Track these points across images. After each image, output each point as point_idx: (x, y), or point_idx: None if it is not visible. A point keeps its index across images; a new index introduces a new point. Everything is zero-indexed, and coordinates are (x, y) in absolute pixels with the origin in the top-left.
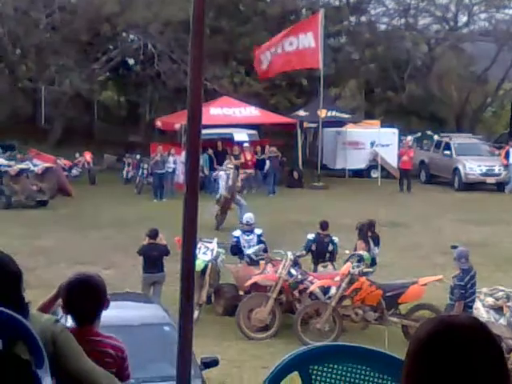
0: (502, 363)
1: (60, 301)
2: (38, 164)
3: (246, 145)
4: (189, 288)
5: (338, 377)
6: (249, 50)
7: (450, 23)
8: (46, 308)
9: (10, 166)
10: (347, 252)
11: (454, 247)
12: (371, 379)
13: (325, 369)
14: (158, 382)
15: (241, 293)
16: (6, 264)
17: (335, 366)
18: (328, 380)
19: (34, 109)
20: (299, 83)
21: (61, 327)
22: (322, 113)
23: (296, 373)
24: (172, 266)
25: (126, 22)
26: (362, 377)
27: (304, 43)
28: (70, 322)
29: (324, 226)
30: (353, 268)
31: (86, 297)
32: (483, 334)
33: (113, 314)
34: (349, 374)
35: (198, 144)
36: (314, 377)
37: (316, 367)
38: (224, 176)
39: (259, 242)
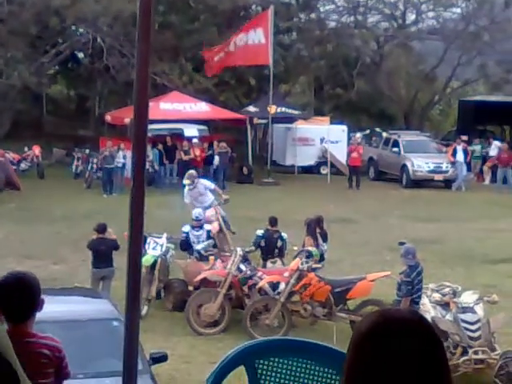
0: (441, 356)
1: None
2: None
3: (195, 140)
4: (135, 282)
5: (284, 370)
6: (198, 46)
7: (399, 21)
8: None
9: None
10: (296, 248)
11: (402, 243)
12: (316, 373)
13: (270, 363)
14: (106, 377)
15: (190, 288)
16: None
17: (280, 360)
18: (273, 374)
19: None
20: (247, 82)
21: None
22: (272, 109)
23: (242, 367)
24: (122, 261)
25: (75, 15)
26: (307, 370)
27: (254, 39)
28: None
29: (273, 221)
30: (302, 264)
31: (18, 295)
32: (422, 327)
33: (61, 308)
34: (294, 368)
35: (145, 139)
36: (259, 371)
37: (261, 361)
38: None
39: (208, 237)
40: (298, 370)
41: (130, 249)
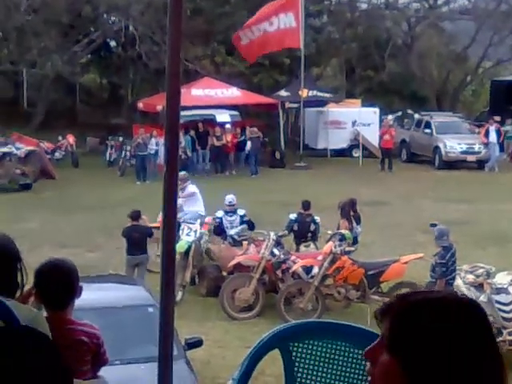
0: (486, 335)
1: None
2: (20, 147)
3: (227, 126)
4: (170, 268)
5: (319, 353)
6: (229, 30)
7: (430, 1)
8: (25, 298)
9: None
10: (330, 232)
11: (433, 225)
12: (350, 355)
13: (305, 345)
14: (142, 363)
15: (224, 273)
16: (2, 244)
17: (315, 343)
18: (308, 357)
19: (17, 92)
20: (281, 62)
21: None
22: (304, 93)
23: (276, 350)
24: (155, 248)
25: (107, 3)
26: (342, 353)
27: (285, 23)
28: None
29: (306, 205)
30: (335, 247)
31: (57, 282)
32: (461, 307)
33: (97, 295)
34: (329, 351)
35: (177, 125)
36: (294, 354)
37: (296, 344)
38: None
39: (242, 222)
40: (333, 352)
41: (164, 235)
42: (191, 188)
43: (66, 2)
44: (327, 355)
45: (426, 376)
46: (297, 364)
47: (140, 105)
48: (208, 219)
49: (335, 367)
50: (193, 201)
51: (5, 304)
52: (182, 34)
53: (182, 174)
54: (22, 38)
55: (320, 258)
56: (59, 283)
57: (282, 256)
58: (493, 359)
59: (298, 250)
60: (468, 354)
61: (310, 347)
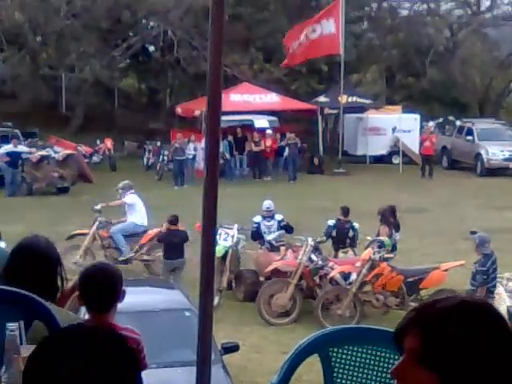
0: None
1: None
2: (58, 151)
3: (268, 131)
4: (209, 274)
5: (358, 359)
6: (268, 36)
7: (473, 8)
8: (62, 300)
9: (31, 153)
10: (369, 238)
11: (473, 233)
12: (390, 361)
13: (344, 351)
14: (179, 367)
15: (261, 279)
16: (44, 248)
17: (355, 349)
18: (348, 362)
19: (55, 96)
20: (319, 69)
21: None
22: (343, 98)
23: (316, 355)
24: (192, 252)
25: (146, 8)
26: (382, 358)
27: (326, 29)
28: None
29: (345, 211)
30: (373, 254)
31: (101, 287)
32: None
33: (135, 299)
34: (369, 357)
35: (218, 130)
36: (333, 359)
37: (335, 349)
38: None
39: (280, 227)
40: (373, 358)
41: (203, 240)
42: (129, 198)
43: (105, 7)
44: (366, 361)
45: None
46: (336, 370)
47: (178, 109)
48: (151, 232)
49: (375, 373)
50: (131, 211)
51: (47, 308)
52: (223, 39)
53: (125, 182)
54: (62, 42)
55: (358, 264)
56: (103, 287)
57: (320, 262)
58: None
59: (336, 256)
60: (500, 357)
61: (350, 353)
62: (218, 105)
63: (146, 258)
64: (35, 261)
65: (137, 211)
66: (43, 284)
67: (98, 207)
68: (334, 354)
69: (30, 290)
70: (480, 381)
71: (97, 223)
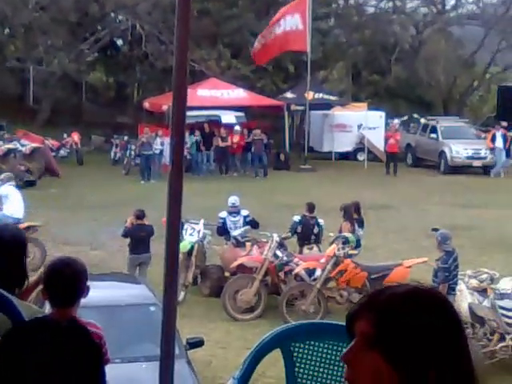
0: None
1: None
2: (25, 144)
3: (237, 127)
4: (173, 268)
5: (319, 354)
6: (236, 32)
7: (438, 6)
8: (26, 293)
9: None
10: (332, 235)
11: (435, 230)
12: None
13: (306, 346)
14: (143, 362)
15: (227, 274)
16: (8, 238)
17: (317, 344)
18: (309, 357)
19: (23, 89)
20: (286, 68)
21: None
22: (309, 95)
23: (278, 352)
24: (157, 247)
25: (114, 1)
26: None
27: (291, 25)
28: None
29: (310, 208)
30: (338, 250)
31: (67, 281)
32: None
33: (100, 294)
34: (329, 351)
35: (183, 124)
36: (295, 354)
37: (297, 344)
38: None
39: (245, 223)
40: (334, 353)
41: (168, 235)
42: (3, 190)
43: (73, 0)
44: (328, 356)
45: (415, 369)
46: (298, 364)
47: (146, 104)
48: (21, 225)
49: (336, 368)
50: (5, 202)
51: (11, 301)
52: (189, 34)
53: (5, 174)
54: (30, 35)
55: (323, 260)
56: (68, 281)
57: (285, 258)
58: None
59: (301, 252)
60: (448, 342)
61: (312, 348)
62: (183, 100)
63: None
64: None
65: (10, 203)
66: (6, 275)
67: None
68: (296, 349)
69: None
70: (426, 365)
71: None
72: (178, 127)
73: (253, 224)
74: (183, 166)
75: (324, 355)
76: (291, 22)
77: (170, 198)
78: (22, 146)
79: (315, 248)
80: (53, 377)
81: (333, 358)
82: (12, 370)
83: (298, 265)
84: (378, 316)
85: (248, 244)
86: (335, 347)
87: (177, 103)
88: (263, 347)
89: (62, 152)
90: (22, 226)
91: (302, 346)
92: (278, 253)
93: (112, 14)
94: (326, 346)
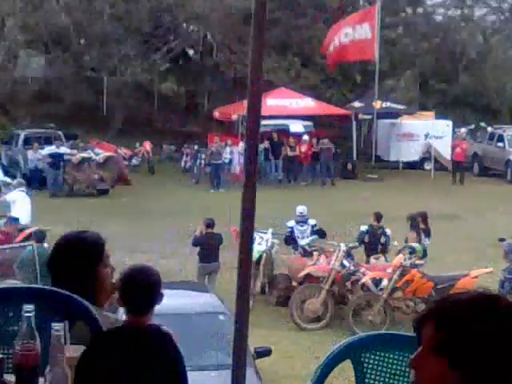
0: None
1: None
2: (99, 153)
3: (305, 137)
4: (246, 278)
5: (390, 365)
6: (305, 42)
7: (506, 14)
8: (102, 301)
9: (72, 155)
10: (396, 244)
11: (502, 240)
12: None
13: (377, 357)
14: (212, 370)
15: (294, 283)
16: (93, 242)
17: (387, 355)
18: (380, 368)
19: (97, 98)
20: (353, 77)
21: None
22: (377, 104)
23: (348, 361)
24: (226, 256)
25: (186, 12)
26: None
27: (360, 34)
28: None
29: (377, 217)
30: (405, 260)
31: (142, 289)
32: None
33: (170, 302)
34: (400, 363)
35: (257, 134)
36: (365, 365)
37: (368, 355)
38: None
39: (313, 232)
40: (405, 364)
41: (241, 244)
42: (10, 196)
43: (147, 10)
44: (399, 367)
45: (479, 374)
46: (368, 376)
47: (216, 113)
48: (26, 231)
49: (406, 380)
50: (12, 208)
51: (90, 309)
52: (265, 44)
53: (17, 180)
54: (104, 45)
55: (390, 270)
56: (144, 289)
57: (352, 268)
58: None
59: (368, 261)
60: (508, 347)
61: (382, 359)
62: (257, 109)
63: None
64: (77, 258)
65: (16, 208)
66: (84, 283)
67: None
68: (367, 360)
69: (73, 288)
70: (490, 370)
71: None
72: (251, 137)
73: (320, 233)
74: None
75: (395, 366)
76: (360, 32)
77: (244, 207)
78: (96, 154)
79: (382, 258)
80: None
81: (403, 369)
82: (92, 380)
83: (364, 275)
84: (442, 322)
85: (315, 253)
86: (406, 359)
87: (251, 113)
88: (334, 357)
89: (134, 161)
90: (30, 230)
91: (372, 356)
92: (345, 262)
93: (184, 25)
94: (396, 357)
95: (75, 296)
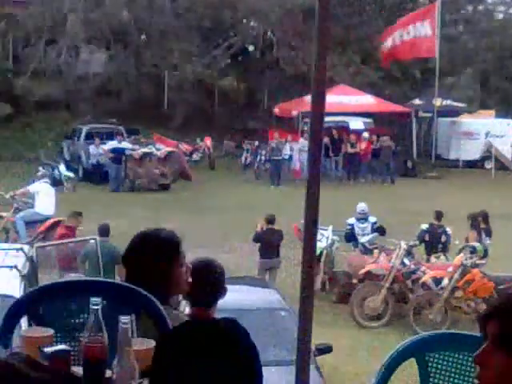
0: None
1: None
2: (160, 148)
3: (365, 134)
4: (309, 275)
5: (454, 365)
6: (365, 39)
7: None
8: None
9: (134, 150)
10: (457, 242)
11: None
12: None
13: (441, 356)
14: (273, 366)
15: (354, 281)
16: (169, 240)
17: (451, 354)
18: (444, 368)
19: (158, 94)
20: (413, 74)
21: None
22: (437, 102)
23: (412, 359)
24: (286, 252)
25: (247, 8)
26: None
27: (420, 32)
28: (187, 308)
29: (438, 216)
30: (465, 259)
31: (208, 282)
32: None
33: (231, 297)
34: (465, 363)
35: (321, 130)
36: (430, 364)
37: (432, 354)
38: None
39: (373, 230)
40: (470, 364)
41: (305, 240)
42: (33, 187)
43: (207, 6)
44: (463, 367)
45: None
46: (432, 375)
47: (276, 110)
48: (48, 222)
49: (471, 380)
50: (35, 199)
51: (158, 306)
52: (330, 41)
53: (41, 172)
54: (165, 41)
55: (450, 269)
56: (210, 282)
57: (413, 266)
58: None
59: (428, 260)
60: None
61: (447, 358)
62: (321, 106)
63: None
64: (153, 255)
65: (40, 200)
66: (159, 280)
67: (8, 196)
68: (431, 359)
69: (147, 285)
70: None
71: (13, 209)
72: (315, 133)
73: (380, 230)
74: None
75: (459, 366)
76: (420, 29)
77: (308, 204)
78: (157, 150)
79: (442, 257)
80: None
81: (468, 369)
82: (170, 374)
83: (425, 273)
84: (504, 318)
85: (375, 251)
86: (470, 358)
87: (315, 109)
88: (398, 356)
89: (195, 156)
90: (49, 222)
91: (437, 356)
92: (406, 261)
93: (244, 21)
94: (461, 357)
95: (141, 290)
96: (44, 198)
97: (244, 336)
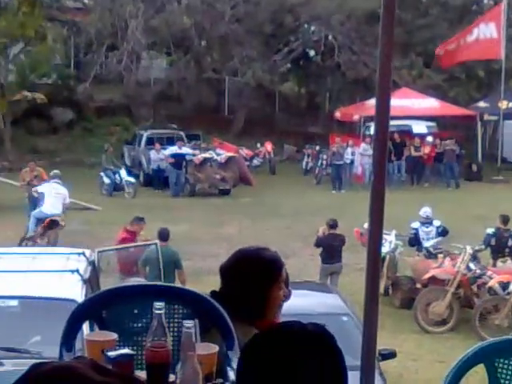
0: None
1: None
2: (221, 153)
3: (429, 138)
4: (374, 279)
5: None
6: (428, 41)
7: None
8: (265, 322)
9: (194, 155)
10: None
11: None
12: None
13: (511, 362)
14: None
15: (418, 286)
16: (271, 261)
17: None
18: None
19: (218, 99)
20: (478, 76)
21: None
22: (503, 104)
23: (481, 365)
24: (348, 257)
25: (308, 13)
26: None
27: (485, 33)
28: None
29: (505, 220)
30: None
31: None
32: None
33: (294, 302)
34: None
35: (386, 134)
36: (499, 370)
37: (502, 360)
38: None
39: (438, 234)
40: None
41: (370, 245)
42: (42, 187)
43: (268, 11)
44: None
45: None
46: (502, 381)
47: (337, 114)
48: (47, 220)
49: None
50: (42, 198)
51: (224, 316)
52: (393, 45)
53: (54, 172)
54: (225, 46)
55: None
56: None
57: (478, 271)
58: None
59: (494, 265)
60: None
61: None
62: (386, 109)
63: (38, 241)
64: (252, 274)
65: (44, 199)
66: (253, 300)
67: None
68: (501, 365)
69: (240, 303)
70: None
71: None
72: (380, 137)
73: (443, 232)
74: (372, 176)
75: None
76: (485, 31)
77: (373, 208)
78: (218, 155)
79: (509, 261)
80: None
81: None
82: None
83: (491, 278)
84: None
85: (440, 256)
86: None
87: (380, 113)
88: (467, 361)
89: (255, 161)
90: (47, 221)
91: (506, 361)
92: (471, 265)
93: (305, 25)
94: None
95: (206, 296)
96: (48, 199)
97: (333, 343)
